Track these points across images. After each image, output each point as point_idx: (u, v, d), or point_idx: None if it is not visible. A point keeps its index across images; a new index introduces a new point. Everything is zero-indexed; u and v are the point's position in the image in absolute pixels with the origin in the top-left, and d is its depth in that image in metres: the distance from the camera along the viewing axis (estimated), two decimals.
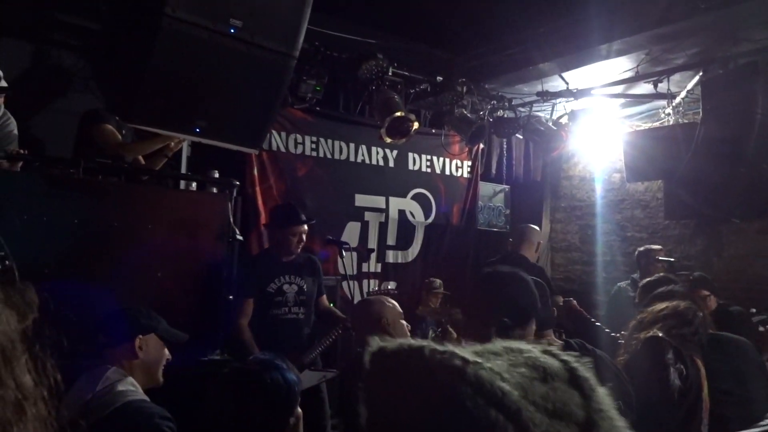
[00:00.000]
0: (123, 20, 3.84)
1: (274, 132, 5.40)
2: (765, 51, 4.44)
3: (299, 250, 4.17)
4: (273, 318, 4.05)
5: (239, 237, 4.47)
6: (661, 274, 3.97)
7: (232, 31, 2.92)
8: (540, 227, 7.53)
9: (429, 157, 6.56)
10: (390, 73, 5.03)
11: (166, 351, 2.20)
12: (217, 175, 4.58)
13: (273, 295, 4.09)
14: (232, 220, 4.33)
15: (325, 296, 4.48)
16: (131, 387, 2.00)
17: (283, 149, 5.50)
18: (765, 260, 5.65)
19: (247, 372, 1.90)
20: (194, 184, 4.58)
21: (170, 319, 2.59)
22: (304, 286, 4.18)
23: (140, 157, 4.31)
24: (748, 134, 4.57)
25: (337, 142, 5.86)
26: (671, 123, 6.06)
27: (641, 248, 5.50)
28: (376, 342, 0.67)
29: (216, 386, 1.92)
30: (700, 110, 4.94)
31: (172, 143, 4.27)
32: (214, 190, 4.58)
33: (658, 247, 5.45)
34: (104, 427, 1.85)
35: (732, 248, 5.84)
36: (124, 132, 4.21)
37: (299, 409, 1.91)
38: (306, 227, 4.18)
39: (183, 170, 4.99)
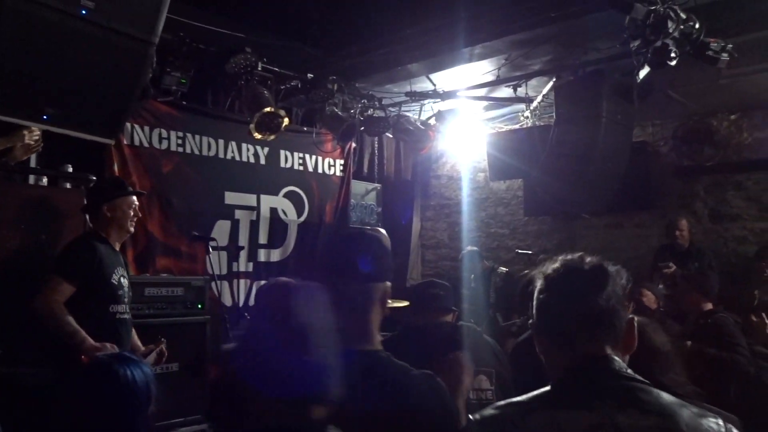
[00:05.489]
0: None
1: (136, 126, 5.14)
2: (609, 60, 4.84)
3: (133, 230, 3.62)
4: (112, 317, 3.30)
5: None
6: None
7: (84, 13, 2.75)
8: (411, 225, 7.76)
9: (301, 155, 6.53)
10: (260, 69, 4.95)
11: None
12: (71, 169, 4.29)
13: (116, 288, 3.34)
14: (88, 217, 4.08)
15: None
16: None
17: (146, 144, 5.25)
18: (612, 252, 6.15)
19: (99, 365, 1.80)
20: (45, 179, 4.27)
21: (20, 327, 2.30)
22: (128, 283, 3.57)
23: None
24: (595, 136, 4.96)
25: (205, 138, 5.67)
26: (529, 125, 6.46)
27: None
28: None
29: (67, 382, 1.81)
30: (554, 114, 5.30)
31: (17, 150, 3.90)
32: (68, 185, 4.29)
33: None
34: None
35: (584, 241, 6.33)
36: None
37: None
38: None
39: (33, 164, 4.62)
